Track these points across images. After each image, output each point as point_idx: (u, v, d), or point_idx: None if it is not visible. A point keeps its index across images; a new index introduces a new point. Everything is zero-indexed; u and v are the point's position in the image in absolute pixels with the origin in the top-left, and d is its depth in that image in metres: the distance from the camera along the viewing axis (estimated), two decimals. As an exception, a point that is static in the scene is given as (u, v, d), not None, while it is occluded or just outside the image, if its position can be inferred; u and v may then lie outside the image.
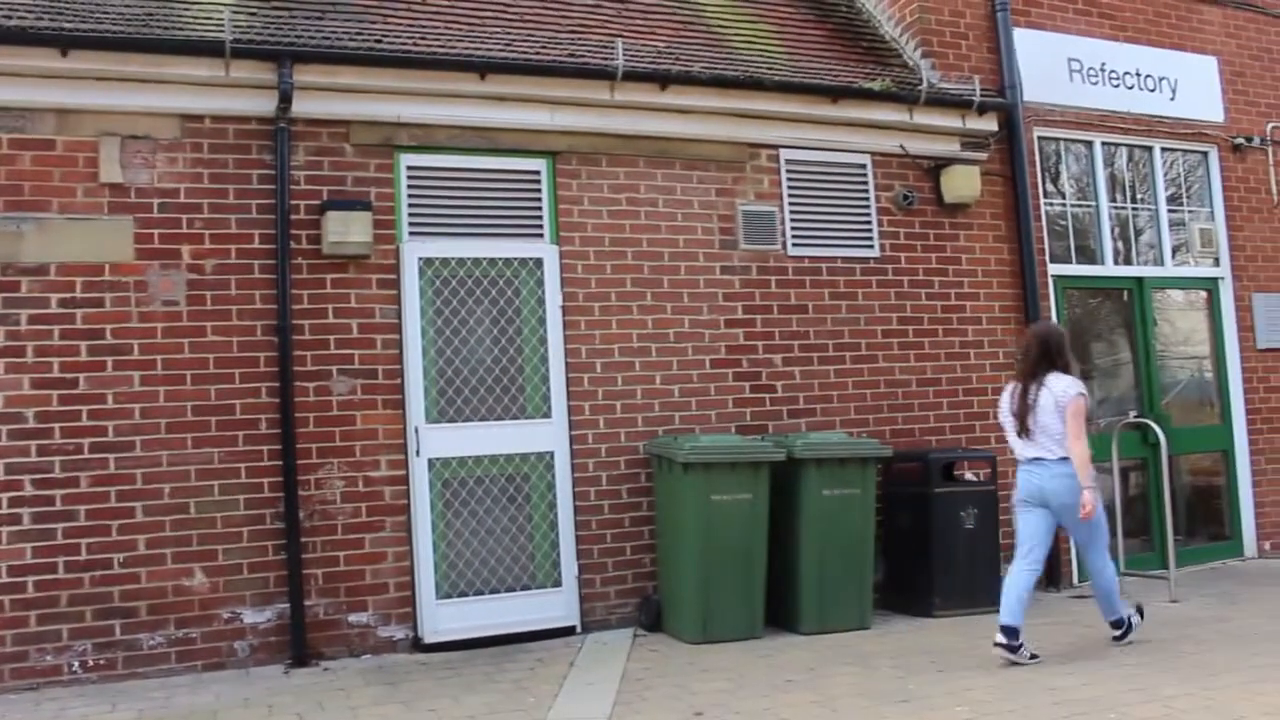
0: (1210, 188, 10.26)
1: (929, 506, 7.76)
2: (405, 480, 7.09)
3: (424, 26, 7.65)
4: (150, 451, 6.56)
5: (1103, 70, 9.63)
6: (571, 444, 7.55)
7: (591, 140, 7.82)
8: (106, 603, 6.38)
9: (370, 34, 7.36)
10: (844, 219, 8.58)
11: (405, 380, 7.15)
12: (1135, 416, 9.26)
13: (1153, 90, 9.86)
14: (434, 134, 7.40)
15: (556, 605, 7.38)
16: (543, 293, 7.59)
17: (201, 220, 6.82)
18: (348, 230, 6.91)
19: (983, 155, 8.96)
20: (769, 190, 8.33)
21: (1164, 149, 10.08)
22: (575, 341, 7.63)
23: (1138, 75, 9.79)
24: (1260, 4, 10.58)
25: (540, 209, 7.71)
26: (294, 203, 6.98)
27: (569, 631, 7.35)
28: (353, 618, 6.90)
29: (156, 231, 6.72)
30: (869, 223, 8.64)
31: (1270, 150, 10.38)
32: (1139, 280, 9.80)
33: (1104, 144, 9.78)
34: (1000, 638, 6.11)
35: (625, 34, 8.25)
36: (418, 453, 7.10)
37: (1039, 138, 9.40)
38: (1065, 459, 6.20)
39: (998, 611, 6.27)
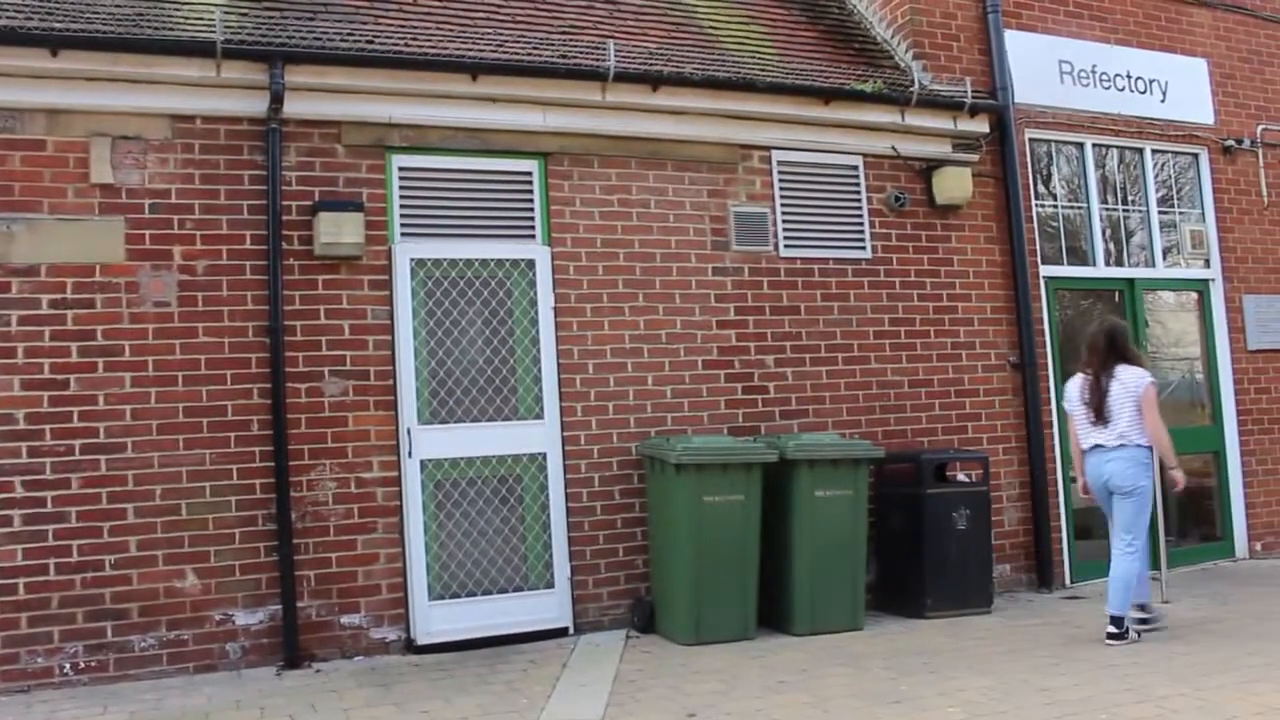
0: (1201, 189, 10.29)
1: (921, 507, 7.76)
2: (397, 481, 7.08)
3: (415, 27, 7.64)
4: (141, 453, 6.54)
5: (1094, 72, 9.65)
6: (564, 445, 7.55)
7: (583, 141, 7.82)
8: (98, 604, 6.36)
9: (361, 35, 7.35)
10: (836, 220, 8.59)
11: (397, 381, 7.14)
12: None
13: (1143, 92, 9.89)
14: (426, 135, 7.39)
15: (549, 607, 7.38)
16: (535, 294, 7.58)
17: (193, 221, 6.81)
18: (340, 231, 6.91)
19: (974, 157, 8.98)
20: (761, 192, 8.33)
21: (1155, 151, 10.11)
22: (567, 343, 7.63)
23: (1129, 77, 9.82)
24: (1250, 7, 10.62)
25: (532, 210, 7.71)
26: (285, 204, 6.97)
27: (561, 633, 7.35)
28: (345, 619, 6.89)
29: (148, 232, 6.70)
30: (861, 224, 8.65)
31: (1260, 152, 10.41)
32: (1130, 282, 9.82)
33: (1095, 145, 9.81)
34: (1134, 613, 6.69)
35: (617, 35, 8.25)
36: (410, 454, 7.09)
37: (1030, 139, 9.42)
38: (1125, 446, 6.62)
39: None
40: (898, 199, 8.73)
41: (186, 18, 6.98)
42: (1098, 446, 6.76)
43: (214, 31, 6.70)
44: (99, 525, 6.40)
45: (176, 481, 6.59)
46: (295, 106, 6.96)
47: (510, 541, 7.37)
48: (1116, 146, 9.97)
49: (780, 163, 8.43)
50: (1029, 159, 9.40)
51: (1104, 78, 9.70)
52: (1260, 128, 10.44)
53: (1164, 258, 10.06)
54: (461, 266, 7.40)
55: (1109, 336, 6.86)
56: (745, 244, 8.22)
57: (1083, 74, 9.61)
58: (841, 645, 6.89)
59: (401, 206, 7.35)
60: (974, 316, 8.96)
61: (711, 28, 8.93)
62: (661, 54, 8.18)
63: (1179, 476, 6.75)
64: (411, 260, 7.25)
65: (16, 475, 6.28)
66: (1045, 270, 9.35)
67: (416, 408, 7.15)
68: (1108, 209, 9.87)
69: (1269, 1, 10.75)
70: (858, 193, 8.67)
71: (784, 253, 8.34)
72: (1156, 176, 10.11)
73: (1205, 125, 10.22)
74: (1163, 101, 9.98)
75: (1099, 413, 6.73)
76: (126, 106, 6.69)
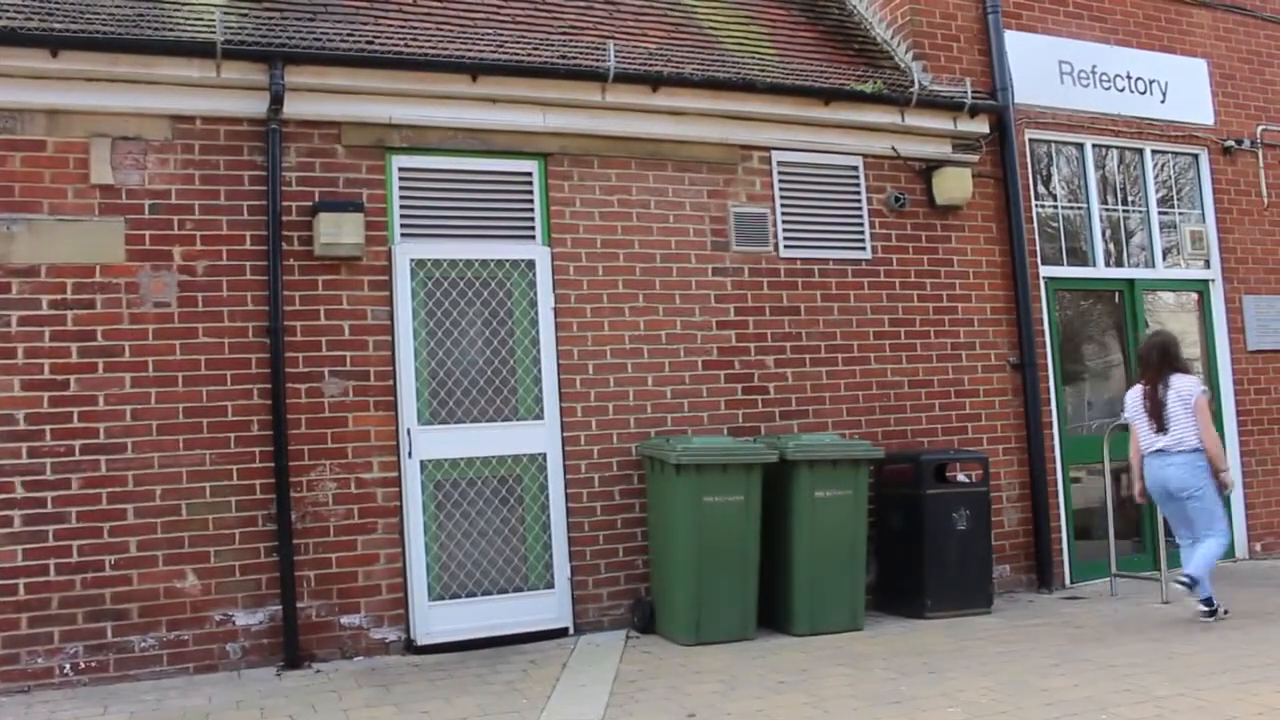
0: (1201, 190, 10.30)
1: (921, 508, 7.76)
2: (397, 482, 7.08)
3: (415, 28, 7.65)
4: (141, 453, 6.54)
5: (1094, 73, 9.66)
6: (564, 446, 7.55)
7: (583, 142, 7.82)
8: (98, 605, 6.36)
9: (361, 35, 7.35)
10: (836, 221, 8.60)
11: (397, 382, 7.14)
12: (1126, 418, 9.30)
13: (1143, 93, 9.90)
14: (426, 135, 7.40)
15: (549, 607, 7.38)
16: (535, 294, 7.58)
17: (193, 221, 6.81)
18: (339, 232, 6.91)
19: (974, 157, 8.99)
20: (761, 192, 8.34)
21: (1155, 151, 10.12)
22: (567, 343, 7.63)
23: (1128, 78, 9.82)
24: (1250, 7, 10.62)
25: (532, 211, 7.71)
26: (285, 204, 6.97)
27: (561, 633, 7.35)
28: (345, 620, 6.89)
29: (147, 233, 6.70)
30: (861, 225, 8.65)
31: (1260, 153, 10.42)
32: (1130, 282, 9.83)
33: (1095, 146, 9.81)
34: (1201, 606, 7.06)
35: (617, 36, 8.26)
36: (410, 454, 7.09)
37: (1030, 140, 9.43)
38: (1183, 450, 7.14)
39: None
40: (898, 199, 8.73)
41: (186, 18, 6.98)
42: (1159, 451, 7.26)
43: (214, 32, 6.71)
44: (99, 526, 6.41)
45: (176, 482, 6.59)
46: (295, 107, 6.96)
47: (510, 542, 7.37)
48: (1116, 147, 9.98)
49: (780, 163, 8.43)
50: (1029, 159, 9.41)
51: (1104, 78, 9.70)
52: (1260, 128, 10.45)
53: (1164, 258, 10.06)
54: (461, 267, 7.40)
55: (1161, 350, 7.44)
56: (745, 244, 8.23)
57: (1083, 74, 9.61)
58: (841, 645, 6.89)
59: (401, 207, 7.35)
60: (974, 317, 8.97)
61: (711, 28, 8.93)
62: (661, 54, 8.18)
63: (1229, 479, 7.25)
64: (411, 261, 7.26)
65: (16, 475, 6.29)
66: (1045, 271, 9.35)
67: (416, 408, 7.15)
68: (1108, 209, 9.88)
69: (1269, 2, 10.76)
70: (858, 193, 8.68)
71: (784, 253, 8.35)
72: (1156, 177, 10.12)
73: (1205, 126, 10.23)
74: (1163, 102, 9.99)
75: (1158, 420, 7.26)
76: (126, 107, 6.69)
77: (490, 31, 7.85)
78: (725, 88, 8.05)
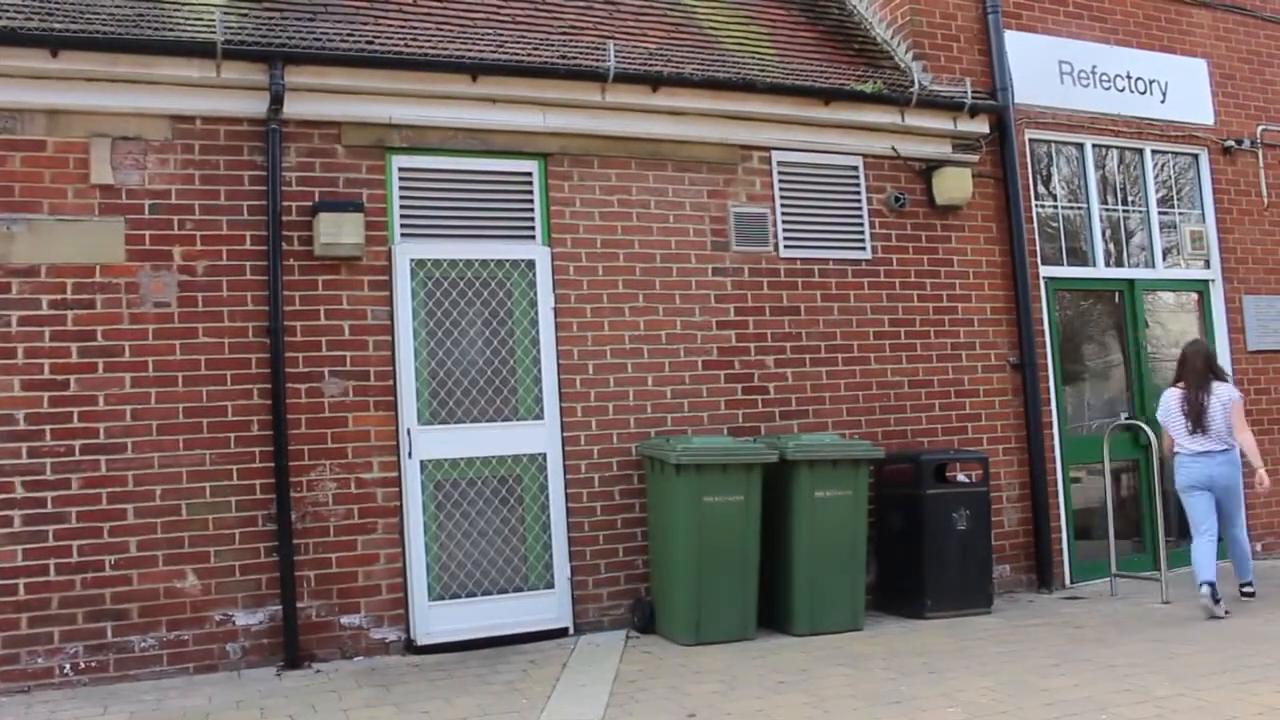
0: (1201, 190, 10.30)
1: (921, 508, 7.76)
2: (397, 482, 7.09)
3: (415, 28, 7.65)
4: (141, 453, 6.54)
5: (1094, 73, 9.66)
6: (564, 446, 7.55)
7: (583, 142, 7.83)
8: (98, 605, 6.36)
9: (361, 35, 7.35)
10: (836, 221, 8.60)
11: (397, 382, 7.14)
12: (1126, 419, 9.31)
13: (1143, 93, 9.90)
14: (426, 135, 7.40)
15: (549, 607, 7.38)
16: (535, 294, 7.59)
17: (193, 221, 6.81)
18: (340, 232, 6.91)
19: (974, 157, 8.99)
20: (761, 192, 8.34)
21: (1155, 151, 10.12)
22: (567, 343, 7.63)
23: (1128, 78, 9.83)
24: (1250, 7, 10.62)
25: (532, 211, 7.71)
26: (285, 204, 6.97)
27: (561, 633, 7.35)
28: (345, 620, 6.89)
29: (147, 233, 6.70)
30: (861, 225, 8.65)
31: (1260, 153, 10.42)
32: (1130, 282, 9.83)
33: (1095, 146, 9.81)
34: (1207, 591, 7.41)
35: (617, 36, 8.26)
36: (410, 454, 7.09)
37: (1030, 140, 9.43)
38: (1226, 450, 7.68)
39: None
40: (898, 199, 8.73)
41: (186, 18, 6.98)
42: (1201, 453, 7.72)
43: (214, 32, 6.71)
44: (99, 526, 6.41)
45: (176, 482, 6.59)
46: (295, 107, 6.97)
47: (510, 542, 7.37)
48: (1116, 147, 9.98)
49: (780, 163, 8.43)
50: (1029, 159, 9.41)
51: (1104, 78, 9.70)
52: (1260, 128, 10.45)
53: (1164, 258, 10.06)
54: (461, 267, 7.40)
55: (1206, 358, 7.99)
56: (745, 244, 8.23)
57: (1083, 74, 9.61)
58: (841, 645, 6.89)
59: (401, 207, 7.35)
60: (974, 317, 8.97)
61: (711, 28, 8.93)
62: (661, 54, 8.18)
63: (1265, 476, 7.68)
64: (411, 261, 7.26)
65: (16, 475, 6.29)
66: (1045, 271, 9.35)
67: (416, 408, 7.15)
68: (1108, 209, 9.88)
69: (1269, 2, 10.76)
70: (858, 193, 8.68)
71: (784, 253, 8.35)
72: (1156, 177, 10.12)
73: (1205, 126, 10.23)
74: (1163, 102, 9.99)
75: (1198, 422, 7.71)
76: (126, 107, 6.69)
77: (490, 31, 7.85)
78: (725, 88, 8.05)
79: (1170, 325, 10.15)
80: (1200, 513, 7.76)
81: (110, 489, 6.45)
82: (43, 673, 6.22)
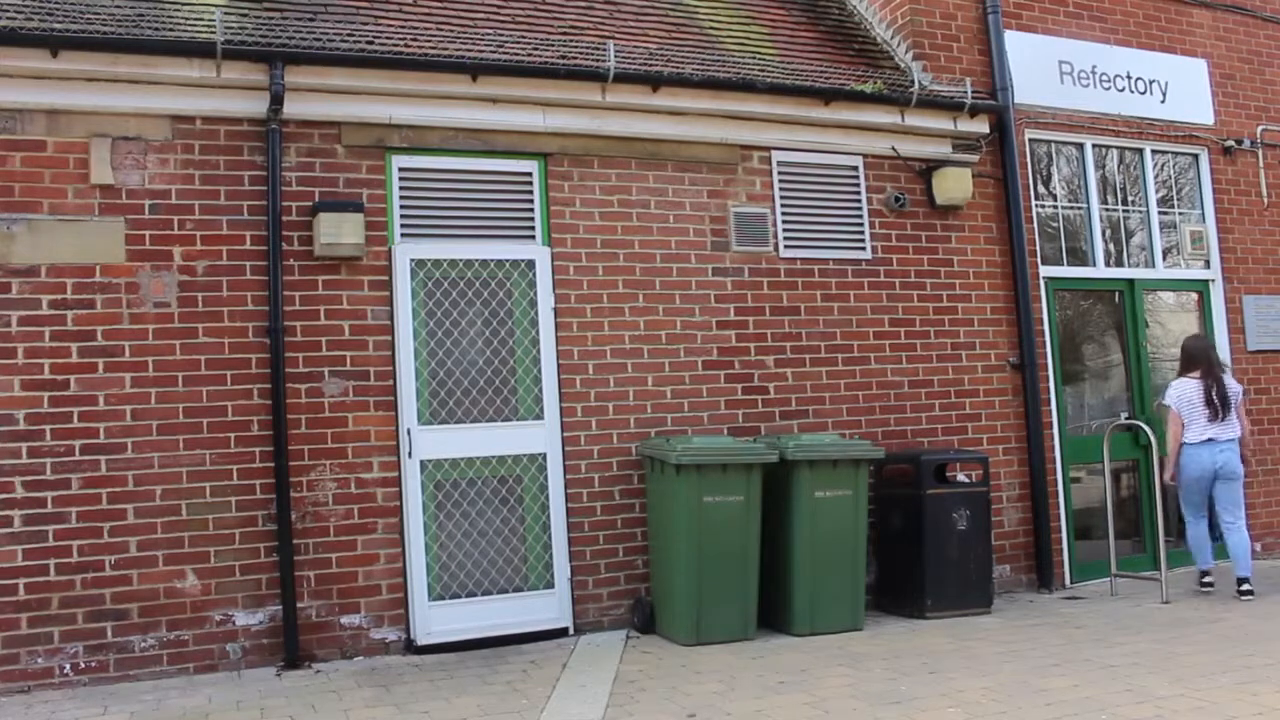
0: (1201, 190, 10.30)
1: (921, 508, 7.76)
2: (397, 482, 7.09)
3: (415, 28, 7.65)
4: (141, 453, 6.54)
5: (1094, 73, 9.66)
6: (564, 446, 7.55)
7: (583, 142, 7.83)
8: (98, 605, 6.37)
9: (362, 35, 7.35)
10: (836, 221, 8.60)
11: (397, 382, 7.14)
12: (1126, 419, 9.31)
13: (1143, 93, 9.90)
14: (426, 135, 7.40)
15: (549, 607, 7.38)
16: (535, 295, 7.59)
17: (193, 221, 6.81)
18: (340, 232, 6.91)
19: (974, 157, 8.99)
20: (761, 192, 8.34)
21: (1155, 151, 10.12)
22: (567, 343, 7.63)
23: (1128, 78, 9.83)
24: (1250, 7, 10.62)
25: (532, 211, 7.71)
26: (286, 204, 6.97)
27: (561, 633, 7.35)
28: (345, 620, 6.89)
29: (147, 233, 6.70)
30: (861, 225, 8.66)
31: (1260, 153, 10.42)
32: (1130, 282, 9.83)
33: (1095, 146, 9.81)
34: (1208, 578, 8.21)
35: (617, 36, 8.26)
36: (410, 454, 7.09)
37: (1030, 140, 9.43)
38: (1233, 440, 8.11)
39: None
40: (898, 199, 8.73)
41: (186, 18, 6.98)
42: (1221, 440, 8.07)
43: (214, 32, 6.71)
44: (99, 526, 6.41)
45: (176, 482, 6.59)
46: (295, 107, 6.97)
47: (510, 542, 7.37)
48: (1116, 147, 9.98)
49: (780, 163, 8.43)
50: (1029, 159, 9.41)
51: (1104, 78, 9.70)
52: (1260, 128, 10.45)
53: (1164, 258, 10.06)
54: (461, 267, 7.40)
55: (1212, 350, 8.42)
56: (745, 245, 8.23)
57: (1083, 74, 9.61)
58: (841, 645, 6.89)
59: (401, 207, 7.35)
60: (974, 317, 8.97)
61: (711, 28, 8.93)
62: (661, 55, 8.18)
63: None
64: (411, 261, 7.26)
65: (16, 475, 6.29)
66: (1045, 271, 9.36)
67: (416, 408, 7.15)
68: (1108, 209, 9.88)
69: (1269, 2, 10.76)
70: (858, 193, 8.68)
71: (784, 253, 8.35)
72: (1156, 177, 10.12)
73: (1205, 126, 10.23)
74: (1163, 102, 9.99)
75: (1217, 410, 8.08)
76: (126, 107, 6.69)
77: (490, 31, 7.86)
78: (725, 88, 8.05)
79: (1170, 325, 10.15)
80: (1199, 500, 8.22)
81: (110, 489, 6.46)
82: (43, 673, 6.22)
